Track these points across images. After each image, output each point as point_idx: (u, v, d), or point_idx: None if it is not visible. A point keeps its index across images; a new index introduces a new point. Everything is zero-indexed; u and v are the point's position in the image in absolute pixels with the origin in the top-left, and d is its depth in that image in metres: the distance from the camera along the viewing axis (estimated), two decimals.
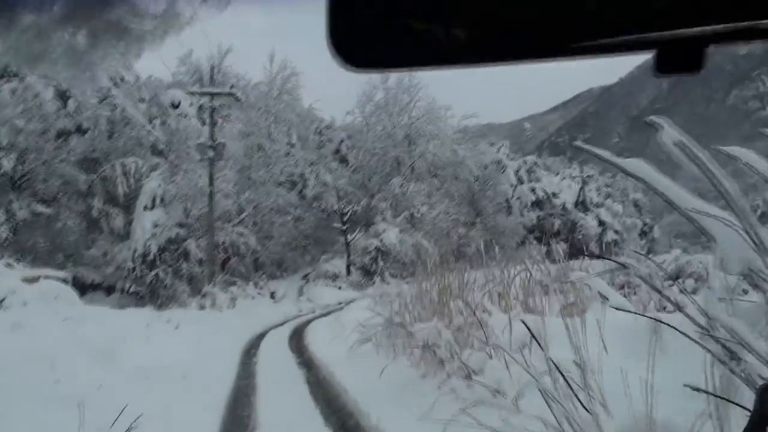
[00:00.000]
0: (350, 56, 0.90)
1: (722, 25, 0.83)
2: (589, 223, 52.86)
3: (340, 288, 32.47)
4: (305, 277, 36.28)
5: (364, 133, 47.36)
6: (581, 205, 55.78)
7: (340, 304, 28.54)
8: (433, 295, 9.94)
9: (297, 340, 15.80)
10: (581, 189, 56.40)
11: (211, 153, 28.07)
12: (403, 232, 36.05)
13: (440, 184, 44.32)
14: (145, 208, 28.39)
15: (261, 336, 17.46)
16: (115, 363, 9.78)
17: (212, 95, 28.58)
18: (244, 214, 32.31)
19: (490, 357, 7.35)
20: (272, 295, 31.56)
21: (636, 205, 66.81)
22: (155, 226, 27.94)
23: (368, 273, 34.79)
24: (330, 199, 39.80)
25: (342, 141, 47.42)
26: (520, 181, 52.43)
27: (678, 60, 0.89)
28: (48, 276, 21.90)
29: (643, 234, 64.21)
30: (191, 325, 17.51)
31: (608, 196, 63.68)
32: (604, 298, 5.60)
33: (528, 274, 9.48)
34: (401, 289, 17.19)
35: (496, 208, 47.65)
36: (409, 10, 0.89)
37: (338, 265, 34.39)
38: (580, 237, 52.25)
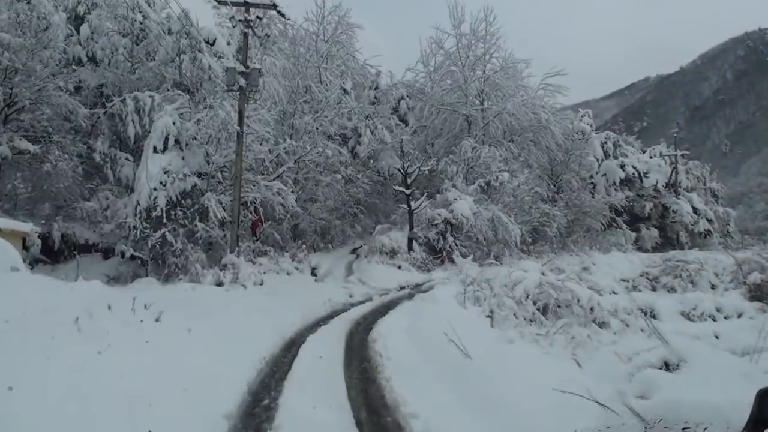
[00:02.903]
0: None
1: None
2: (683, 208, 45.02)
3: (400, 268, 25.40)
4: (355, 251, 29.43)
5: (428, 89, 40.29)
6: (671, 187, 47.94)
7: (402, 289, 21.75)
8: None
9: (363, 377, 8.23)
10: (674, 169, 48.46)
11: (242, 81, 21.24)
12: (478, 203, 28.95)
13: (518, 150, 36.98)
14: (155, 150, 21.83)
15: (288, 348, 10.17)
16: None
17: (248, 5, 21.64)
18: (282, 168, 25.46)
19: None
20: (313, 272, 24.84)
21: (713, 194, 58.56)
22: (165, 173, 21.36)
23: (434, 250, 27.76)
24: (388, 159, 32.85)
25: (401, 99, 40.37)
26: (606, 155, 44.79)
27: None
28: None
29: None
30: (182, 315, 10.75)
31: (697, 179, 55.77)
32: None
33: None
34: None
35: (581, 183, 40.16)
36: None
37: (397, 238, 27.28)
38: (673, 224, 44.62)
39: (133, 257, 21.64)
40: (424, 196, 28.44)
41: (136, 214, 20.81)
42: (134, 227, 20.71)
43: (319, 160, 27.12)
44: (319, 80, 31.99)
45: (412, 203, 27.68)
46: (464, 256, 27.57)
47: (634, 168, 44.97)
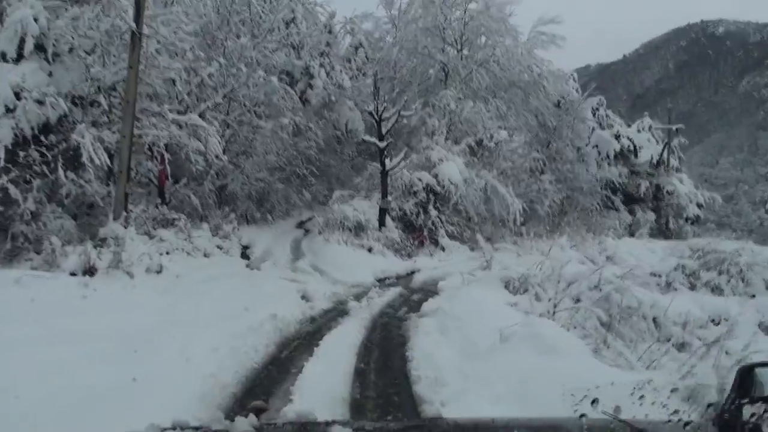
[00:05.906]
0: None
1: None
2: (679, 189, 38.83)
3: (370, 250, 17.91)
4: (302, 224, 22.00)
5: (394, 33, 32.76)
6: (663, 166, 41.62)
7: (382, 283, 14.53)
8: None
9: None
10: (666, 145, 42.10)
11: None
12: (468, 166, 21.80)
13: (506, 108, 29.85)
14: (4, 57, 13.97)
15: None
16: None
17: None
18: (206, 104, 17.78)
19: None
20: (244, 252, 17.36)
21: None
22: (18, 94, 13.52)
23: (411, 226, 20.38)
24: (347, 110, 25.44)
25: (359, 46, 32.70)
26: (599, 124, 38.10)
27: None
28: None
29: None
30: None
31: (680, 160, 49.84)
32: None
33: None
34: None
35: (576, 154, 33.42)
36: None
37: (364, 209, 19.55)
38: (667, 207, 38.43)
39: None
40: (403, 152, 20.88)
41: None
42: None
43: (258, 97, 19.51)
44: None
45: (387, 162, 20.07)
46: (450, 236, 20.49)
47: (629, 140, 38.44)
